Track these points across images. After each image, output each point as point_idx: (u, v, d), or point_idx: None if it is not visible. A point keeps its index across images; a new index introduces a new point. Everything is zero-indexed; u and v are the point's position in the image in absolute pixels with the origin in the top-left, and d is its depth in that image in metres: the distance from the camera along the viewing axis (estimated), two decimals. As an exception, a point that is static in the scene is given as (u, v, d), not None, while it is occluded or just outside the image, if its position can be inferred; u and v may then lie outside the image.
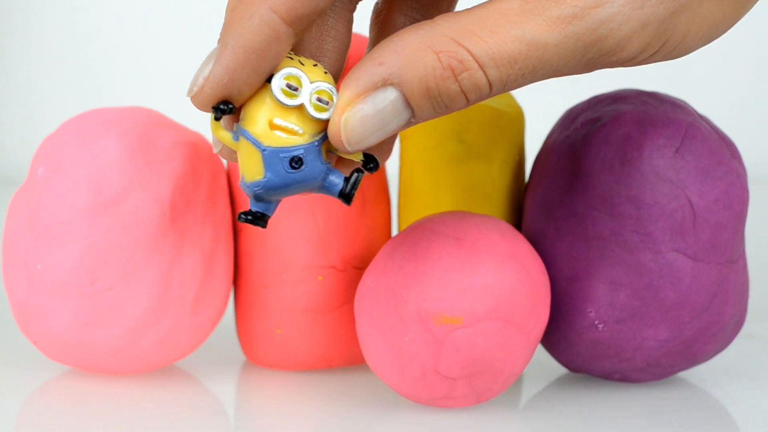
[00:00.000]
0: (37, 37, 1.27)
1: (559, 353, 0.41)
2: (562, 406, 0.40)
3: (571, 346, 0.40)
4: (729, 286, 0.39)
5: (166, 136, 0.41)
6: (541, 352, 0.44)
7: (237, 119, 0.30)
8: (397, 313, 0.36)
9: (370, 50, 0.33)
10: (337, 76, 0.32)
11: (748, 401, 0.41)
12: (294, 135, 0.29)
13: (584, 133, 0.40)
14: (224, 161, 0.44)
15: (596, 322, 0.39)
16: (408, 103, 0.28)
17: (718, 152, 0.38)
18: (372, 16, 0.34)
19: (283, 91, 0.28)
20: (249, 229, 0.42)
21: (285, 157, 0.29)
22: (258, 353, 0.43)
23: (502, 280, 0.35)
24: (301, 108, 0.29)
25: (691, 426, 0.38)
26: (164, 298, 0.39)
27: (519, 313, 0.36)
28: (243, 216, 0.29)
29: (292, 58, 0.29)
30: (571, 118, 0.42)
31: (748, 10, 0.32)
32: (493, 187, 0.43)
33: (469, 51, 0.28)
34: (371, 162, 0.30)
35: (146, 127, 0.40)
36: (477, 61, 0.28)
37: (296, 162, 0.29)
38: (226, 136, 0.29)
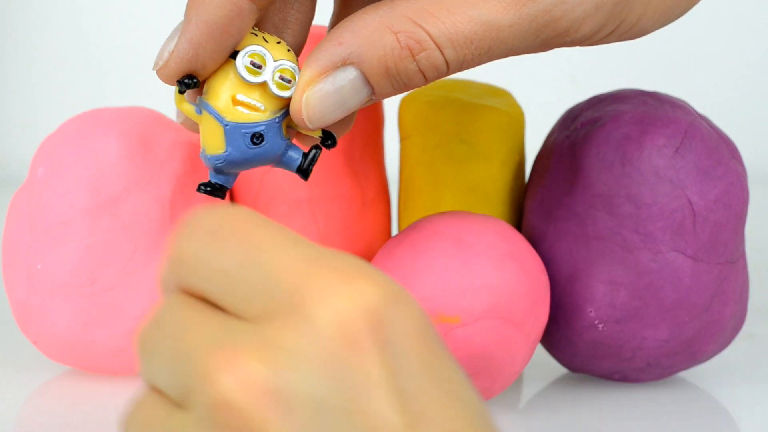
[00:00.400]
0: (37, 37, 1.27)
1: (559, 353, 0.41)
2: (562, 406, 0.40)
3: (571, 346, 0.40)
4: (729, 286, 0.39)
5: (166, 136, 0.41)
6: (541, 352, 0.44)
7: (200, 93, 0.30)
8: (397, 313, 0.36)
9: (331, 25, 0.33)
10: (300, 48, 0.32)
11: (748, 401, 0.41)
12: (256, 111, 0.29)
13: (584, 133, 0.40)
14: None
15: (596, 322, 0.39)
16: (367, 82, 0.29)
17: (718, 152, 0.38)
18: None
19: (247, 68, 0.29)
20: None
21: (246, 132, 0.29)
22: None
23: (500, 279, 0.35)
24: (263, 85, 0.29)
25: (691, 426, 0.38)
26: (164, 298, 0.39)
27: (518, 312, 0.36)
28: (202, 187, 0.30)
29: (256, 35, 0.30)
30: (571, 118, 0.42)
31: None
32: (493, 187, 0.43)
33: (426, 31, 0.28)
34: (329, 138, 0.31)
35: (146, 127, 0.40)
36: (434, 42, 0.28)
37: (257, 138, 0.29)
38: (190, 109, 0.29)
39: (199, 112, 0.29)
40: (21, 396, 0.41)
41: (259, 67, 0.29)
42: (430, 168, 0.43)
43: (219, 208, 0.23)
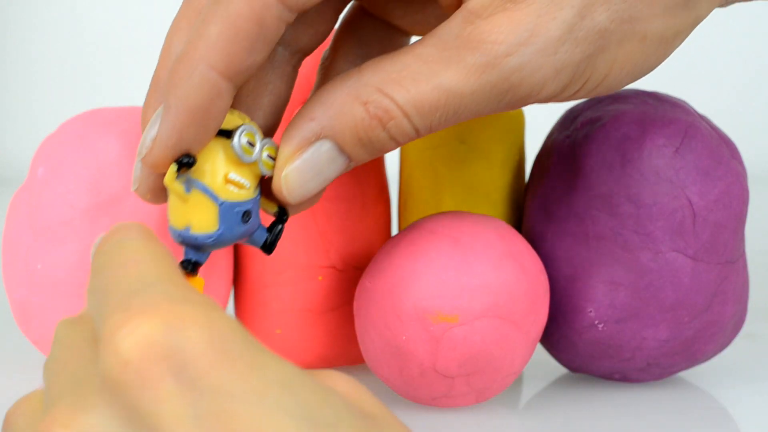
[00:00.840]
0: (37, 37, 1.27)
1: (559, 353, 0.41)
2: (562, 406, 0.40)
3: (571, 346, 0.40)
4: (729, 286, 0.39)
5: (166, 136, 0.41)
6: (541, 351, 0.44)
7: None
8: (394, 311, 0.36)
9: (312, 94, 0.34)
10: (271, 132, 0.33)
11: (748, 401, 0.41)
12: (243, 189, 0.30)
13: (584, 133, 0.40)
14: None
15: (596, 322, 0.39)
16: (342, 151, 0.30)
17: (718, 152, 0.38)
18: (320, 62, 0.35)
19: (244, 147, 0.29)
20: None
21: (239, 211, 0.29)
22: (258, 353, 0.43)
23: (498, 278, 0.35)
24: (252, 164, 0.30)
25: (691, 426, 0.38)
26: (164, 298, 0.39)
27: (516, 311, 0.36)
28: (187, 266, 0.30)
29: (232, 113, 0.30)
30: (571, 118, 0.42)
31: (672, 51, 0.32)
32: (493, 187, 0.43)
33: (393, 100, 0.29)
34: (285, 213, 0.32)
35: (146, 127, 0.41)
36: (401, 110, 0.29)
37: (247, 216, 0.30)
38: (180, 188, 0.29)
39: (188, 190, 0.29)
40: (21, 396, 0.41)
41: (252, 146, 0.29)
42: (430, 168, 0.43)
43: (125, 232, 0.24)
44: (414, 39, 0.37)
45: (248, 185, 0.30)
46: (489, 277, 0.35)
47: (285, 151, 0.30)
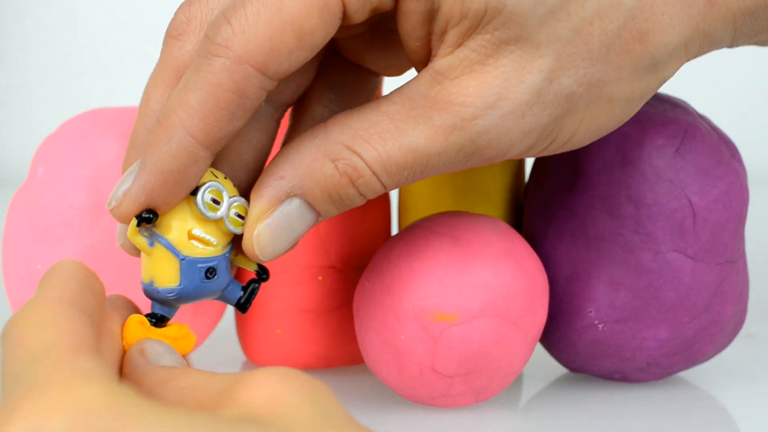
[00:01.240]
0: (37, 37, 1.27)
1: (559, 353, 0.41)
2: (562, 406, 0.40)
3: (571, 346, 0.40)
4: (729, 286, 0.39)
5: (166, 136, 0.41)
6: (541, 351, 0.44)
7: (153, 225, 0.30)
8: (393, 311, 0.36)
9: (285, 140, 0.34)
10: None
11: (748, 401, 0.41)
12: (209, 246, 0.30)
13: (584, 133, 0.40)
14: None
15: (596, 322, 0.39)
16: (312, 208, 0.30)
17: (718, 152, 0.38)
18: (293, 105, 0.35)
19: (207, 204, 0.29)
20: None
21: (202, 267, 0.30)
22: (258, 353, 0.43)
23: (497, 277, 0.35)
24: (219, 221, 0.30)
25: (691, 426, 0.38)
26: (164, 298, 0.39)
27: (515, 310, 0.36)
28: (152, 320, 0.30)
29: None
30: (571, 118, 0.42)
31: (637, 109, 0.32)
32: (493, 187, 0.43)
33: (362, 158, 0.29)
34: (265, 273, 0.32)
35: (146, 127, 0.40)
36: (370, 168, 0.29)
37: (211, 272, 0.30)
38: (143, 242, 0.29)
39: (152, 244, 0.29)
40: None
41: (218, 203, 0.29)
42: (430, 168, 0.43)
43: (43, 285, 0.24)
44: (386, 80, 0.37)
45: (215, 242, 0.30)
46: (487, 276, 0.35)
47: (255, 210, 0.30)
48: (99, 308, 0.26)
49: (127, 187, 0.29)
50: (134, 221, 0.29)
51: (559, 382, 0.43)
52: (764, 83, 1.18)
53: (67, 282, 0.25)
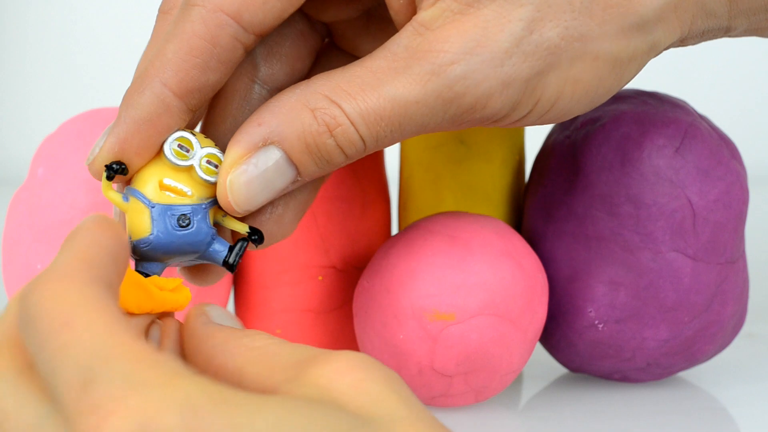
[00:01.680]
0: (36, 37, 1.27)
1: (559, 353, 0.41)
2: (562, 406, 0.40)
3: (571, 346, 0.40)
4: (729, 286, 0.39)
5: (166, 136, 0.41)
6: (541, 351, 0.44)
7: (129, 183, 0.30)
8: (391, 310, 0.36)
9: None
10: None
11: (748, 401, 0.41)
12: (183, 196, 0.29)
13: (584, 132, 0.40)
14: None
15: (596, 322, 0.39)
16: (291, 161, 0.30)
17: (718, 152, 0.38)
18: None
19: (174, 151, 0.29)
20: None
21: (173, 214, 0.29)
22: (258, 353, 0.43)
23: (496, 276, 0.35)
24: (191, 170, 0.29)
25: (691, 426, 0.38)
26: (164, 298, 0.39)
27: (514, 309, 0.36)
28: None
29: (198, 135, 0.30)
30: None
31: (628, 77, 0.32)
32: (493, 187, 0.43)
33: (341, 108, 0.29)
34: (255, 233, 0.31)
35: (146, 127, 0.40)
36: (348, 118, 0.29)
37: (183, 220, 0.29)
38: (116, 197, 0.29)
39: (126, 199, 0.29)
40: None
41: (187, 150, 0.29)
42: (430, 168, 0.43)
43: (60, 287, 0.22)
44: None
45: (189, 192, 0.29)
46: (486, 275, 0.35)
47: (231, 155, 0.29)
48: (120, 278, 0.26)
49: (102, 142, 0.29)
50: (104, 175, 0.29)
51: (559, 382, 0.43)
52: (764, 83, 1.18)
53: (91, 249, 0.24)
